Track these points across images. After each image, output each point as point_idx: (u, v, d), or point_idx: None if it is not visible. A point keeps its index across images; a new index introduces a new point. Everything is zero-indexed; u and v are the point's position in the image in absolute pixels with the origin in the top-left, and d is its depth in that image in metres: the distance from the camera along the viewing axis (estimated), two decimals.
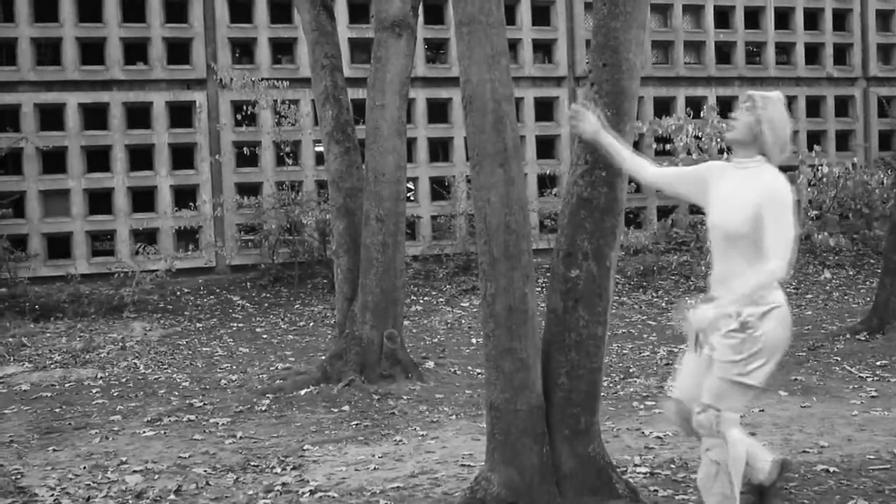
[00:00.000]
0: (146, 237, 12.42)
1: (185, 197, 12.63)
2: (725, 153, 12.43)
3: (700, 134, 12.54)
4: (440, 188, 13.34)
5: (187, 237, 12.71)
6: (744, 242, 3.59)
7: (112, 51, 12.35)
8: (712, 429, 3.67)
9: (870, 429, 5.74)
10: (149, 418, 6.70)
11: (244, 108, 12.37)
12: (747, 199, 3.58)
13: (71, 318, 10.72)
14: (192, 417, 6.71)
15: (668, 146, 13.13)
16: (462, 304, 11.40)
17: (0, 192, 11.99)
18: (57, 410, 7.11)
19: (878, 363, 7.73)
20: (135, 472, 5.35)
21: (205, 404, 7.11)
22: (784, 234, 3.51)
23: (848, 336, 8.79)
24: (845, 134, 15.41)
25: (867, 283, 12.26)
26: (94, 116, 12.50)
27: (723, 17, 14.89)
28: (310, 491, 4.89)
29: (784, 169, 12.02)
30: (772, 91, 3.78)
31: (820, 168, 13.06)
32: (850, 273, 12.98)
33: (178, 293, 11.88)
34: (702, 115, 12.96)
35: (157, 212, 12.48)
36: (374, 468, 5.30)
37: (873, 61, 15.45)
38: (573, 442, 4.15)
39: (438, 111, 13.53)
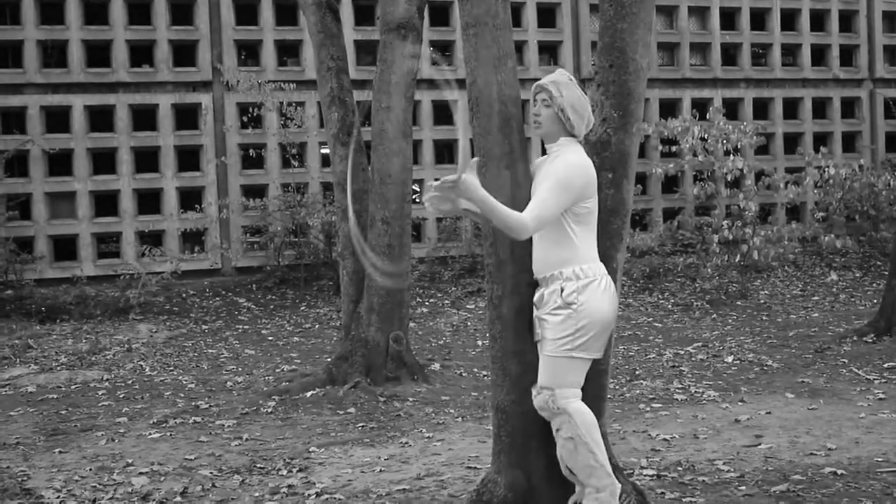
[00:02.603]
0: (152, 239, 12.43)
1: (190, 199, 12.65)
2: (732, 155, 12.43)
3: (706, 136, 12.52)
4: None
5: (193, 239, 12.73)
6: (553, 225, 3.73)
7: (118, 53, 12.37)
8: (551, 408, 3.76)
9: (877, 431, 5.72)
10: (155, 420, 6.71)
11: (250, 110, 12.39)
12: (541, 179, 3.80)
13: (77, 320, 10.74)
14: (198, 419, 6.71)
15: (673, 148, 13.12)
16: (468, 306, 11.39)
17: (6, 195, 12.02)
18: (63, 412, 7.12)
19: (885, 365, 7.70)
20: (141, 473, 5.35)
21: (210, 406, 7.12)
22: (544, 198, 3.64)
23: (855, 338, 8.77)
24: (852, 135, 15.38)
25: (874, 285, 12.23)
26: (100, 119, 12.52)
27: (728, 19, 14.87)
28: (316, 493, 4.88)
29: (791, 171, 11.95)
30: (556, 72, 3.90)
31: (826, 170, 13.02)
32: (857, 275, 12.94)
33: (184, 295, 11.89)
34: (708, 116, 12.93)
35: (163, 214, 12.50)
36: (380, 470, 5.30)
37: (880, 63, 15.42)
38: None
39: (444, 113, 13.52)
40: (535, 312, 3.88)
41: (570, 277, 3.74)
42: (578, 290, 3.71)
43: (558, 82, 3.81)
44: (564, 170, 3.71)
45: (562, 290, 3.73)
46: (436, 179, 3.68)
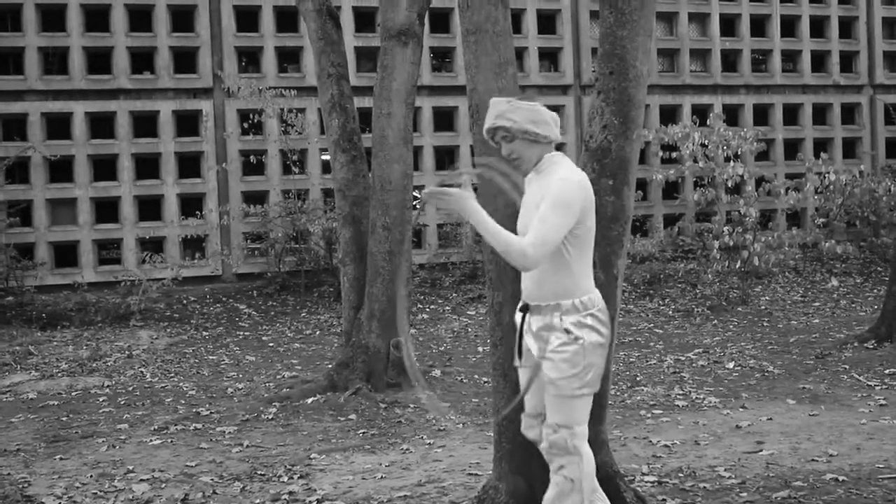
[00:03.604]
0: (153, 246, 12.44)
1: (191, 205, 12.66)
2: (732, 161, 12.44)
3: (706, 142, 12.54)
4: None
5: (194, 246, 12.73)
6: None
7: (119, 60, 12.39)
8: (568, 447, 3.53)
9: (879, 437, 5.71)
10: (155, 427, 6.70)
11: (250, 116, 12.40)
12: (537, 199, 3.50)
13: (78, 327, 10.74)
14: (199, 426, 6.71)
15: (674, 154, 13.13)
16: (468, 313, 11.39)
17: (7, 201, 12.03)
18: (64, 419, 7.11)
19: (886, 371, 7.70)
20: (142, 480, 5.34)
21: (211, 413, 7.11)
22: (544, 223, 3.36)
23: (856, 344, 8.77)
24: (852, 141, 15.40)
25: (874, 290, 12.23)
26: (101, 125, 12.54)
27: (728, 25, 14.90)
28: (317, 500, 4.88)
29: (791, 177, 11.95)
30: (491, 106, 3.59)
31: (827, 176, 13.04)
32: (858, 281, 12.94)
33: (185, 301, 11.89)
34: (708, 122, 12.95)
35: (164, 220, 12.51)
36: (381, 477, 5.29)
37: (880, 69, 15.44)
38: None
39: (445, 120, 13.54)
40: (527, 342, 3.61)
41: (569, 310, 3.49)
42: (581, 325, 3.48)
43: (503, 113, 3.53)
44: (560, 187, 3.42)
45: (563, 323, 3.47)
46: (442, 185, 3.61)
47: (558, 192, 3.40)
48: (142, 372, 8.78)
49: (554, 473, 3.60)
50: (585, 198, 3.47)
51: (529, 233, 3.38)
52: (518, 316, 3.67)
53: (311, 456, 5.80)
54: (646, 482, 4.91)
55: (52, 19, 12.35)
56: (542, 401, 3.63)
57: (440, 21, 13.50)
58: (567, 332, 3.46)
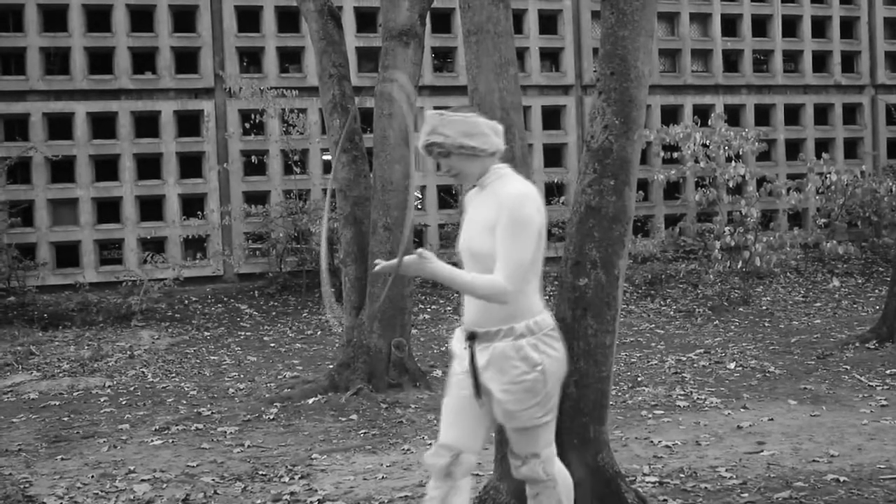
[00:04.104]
0: (154, 246, 12.45)
1: (192, 206, 12.66)
2: (733, 161, 12.44)
3: (708, 142, 12.54)
4: (448, 197, 13.35)
5: (195, 246, 12.73)
6: (490, 263, 3.15)
7: (120, 60, 12.40)
8: (540, 476, 3.37)
9: (880, 438, 5.71)
10: (157, 427, 6.71)
11: (252, 116, 12.41)
12: (484, 216, 3.19)
13: (79, 327, 10.74)
14: (200, 426, 6.71)
15: (675, 154, 13.13)
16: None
17: (9, 201, 12.03)
18: (65, 419, 7.12)
19: (887, 372, 7.69)
20: (143, 480, 5.35)
21: (213, 413, 7.11)
22: (511, 250, 3.09)
23: (857, 344, 8.76)
24: (853, 142, 15.39)
25: (876, 291, 12.22)
26: (103, 125, 12.55)
27: (730, 26, 14.90)
28: (318, 500, 4.88)
29: (792, 177, 11.95)
30: (426, 120, 3.32)
31: (828, 176, 13.03)
32: (859, 281, 12.94)
33: (186, 302, 11.90)
34: (709, 123, 12.95)
35: (165, 220, 12.52)
36: (383, 477, 5.29)
37: (881, 69, 15.43)
38: (582, 451, 4.13)
39: None
40: (484, 379, 3.25)
41: (523, 333, 3.20)
42: (538, 349, 3.21)
43: (436, 127, 3.26)
44: (514, 205, 3.12)
45: (521, 350, 3.18)
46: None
47: (515, 212, 3.12)
48: (143, 372, 8.78)
49: (531, 500, 3.48)
50: (539, 210, 3.20)
51: (499, 265, 3.11)
52: (463, 346, 3.34)
53: (313, 456, 5.80)
54: (647, 483, 4.91)
55: (54, 19, 12.36)
56: (470, 435, 3.35)
57: (442, 21, 13.50)
58: (525, 359, 3.19)
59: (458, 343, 3.40)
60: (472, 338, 3.28)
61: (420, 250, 3.19)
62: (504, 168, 3.32)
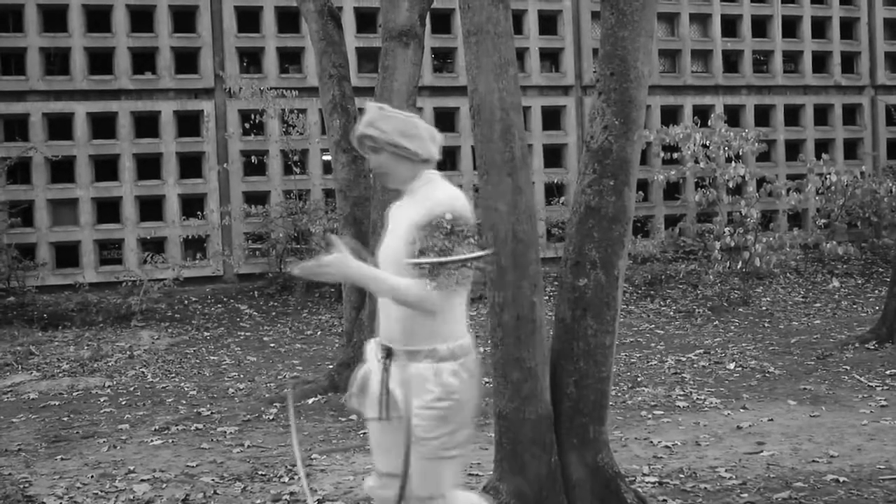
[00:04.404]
0: (154, 246, 12.45)
1: (192, 206, 12.66)
2: (733, 162, 12.44)
3: (707, 142, 12.54)
4: None
5: (195, 246, 12.73)
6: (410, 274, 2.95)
7: (120, 60, 12.40)
8: None
9: (879, 438, 5.71)
10: (156, 427, 6.70)
11: (252, 117, 12.41)
12: (411, 223, 3.01)
13: (79, 327, 10.74)
14: (200, 426, 6.71)
15: (675, 155, 13.13)
16: (469, 313, 11.37)
17: (9, 201, 12.03)
18: (65, 419, 7.12)
19: (887, 372, 7.69)
20: (143, 480, 5.35)
21: (212, 413, 7.11)
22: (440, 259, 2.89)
23: (857, 345, 8.77)
24: (853, 142, 15.39)
25: (876, 291, 12.22)
26: (103, 126, 12.55)
27: (730, 26, 14.90)
28: (318, 500, 4.88)
29: (792, 177, 11.95)
30: (367, 110, 3.12)
31: (828, 176, 13.04)
32: (859, 282, 12.94)
33: (186, 302, 11.90)
34: (709, 123, 12.96)
35: (165, 221, 12.52)
36: None
37: (881, 69, 15.43)
38: (582, 451, 4.13)
39: (446, 120, 13.54)
40: (395, 393, 3.02)
41: (445, 357, 2.99)
42: (457, 375, 2.99)
43: (373, 121, 3.06)
44: (449, 209, 2.94)
45: (440, 374, 2.97)
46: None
47: (448, 217, 2.94)
48: (143, 372, 8.78)
49: None
50: (472, 215, 3.02)
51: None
52: (376, 361, 3.11)
53: (312, 456, 5.80)
54: (647, 483, 4.92)
55: (54, 20, 12.36)
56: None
57: (441, 22, 13.51)
58: (442, 385, 2.97)
59: (371, 355, 3.16)
60: (389, 355, 3.05)
61: (337, 245, 2.97)
62: (434, 174, 3.12)
